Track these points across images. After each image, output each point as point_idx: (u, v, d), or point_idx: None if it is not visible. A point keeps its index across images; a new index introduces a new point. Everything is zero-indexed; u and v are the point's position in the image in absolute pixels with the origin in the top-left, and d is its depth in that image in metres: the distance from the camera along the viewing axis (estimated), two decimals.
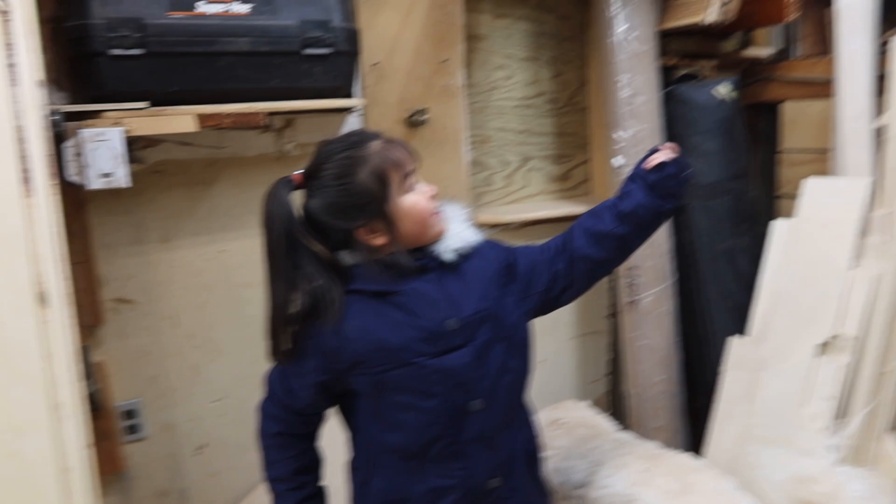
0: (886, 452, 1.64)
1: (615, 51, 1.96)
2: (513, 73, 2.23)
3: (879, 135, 1.77)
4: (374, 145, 1.16)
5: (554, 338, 2.32)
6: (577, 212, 2.19)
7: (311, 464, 1.29)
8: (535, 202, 2.32)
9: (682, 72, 2.18)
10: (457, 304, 1.19)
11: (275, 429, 1.26)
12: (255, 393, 1.84)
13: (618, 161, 1.98)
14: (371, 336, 1.16)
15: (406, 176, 1.17)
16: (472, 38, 2.12)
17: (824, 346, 1.70)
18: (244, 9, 1.56)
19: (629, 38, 1.94)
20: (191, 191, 1.76)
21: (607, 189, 2.07)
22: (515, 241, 2.15)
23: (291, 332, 1.17)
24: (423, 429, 1.18)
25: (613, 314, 2.34)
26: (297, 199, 1.18)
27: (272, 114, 1.74)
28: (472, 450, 1.20)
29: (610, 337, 2.40)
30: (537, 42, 2.24)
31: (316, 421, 1.29)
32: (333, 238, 1.17)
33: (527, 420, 1.32)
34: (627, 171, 1.31)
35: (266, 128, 1.79)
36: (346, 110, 1.85)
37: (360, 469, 1.27)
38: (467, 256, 1.23)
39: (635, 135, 1.96)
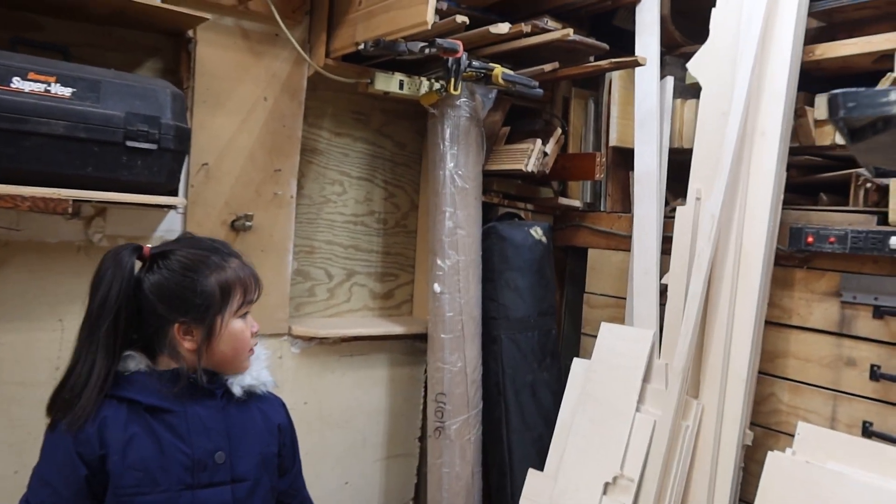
0: None
1: (443, 184, 2.07)
2: (346, 190, 2.27)
3: (664, 291, 1.98)
4: (233, 262, 1.18)
5: (360, 459, 2.26)
6: (396, 331, 2.24)
7: None
8: (356, 317, 2.32)
9: (503, 210, 2.34)
10: (232, 440, 1.16)
11: None
12: None
13: (436, 288, 2.05)
14: (130, 452, 1.08)
15: (247, 303, 1.18)
16: (309, 152, 2.16)
17: (608, 486, 1.80)
18: (66, 92, 1.49)
19: (456, 174, 2.07)
20: None
21: (427, 311, 2.13)
22: (332, 355, 2.15)
23: (77, 401, 1.08)
24: None
25: (422, 437, 2.34)
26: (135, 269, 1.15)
27: (82, 202, 1.64)
28: None
29: (419, 460, 2.39)
30: (373, 164, 2.32)
31: None
32: (145, 326, 1.14)
33: None
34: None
35: (73, 215, 1.68)
36: (165, 207, 1.78)
37: None
38: (255, 398, 1.23)
39: (454, 264, 2.05)
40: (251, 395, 1.22)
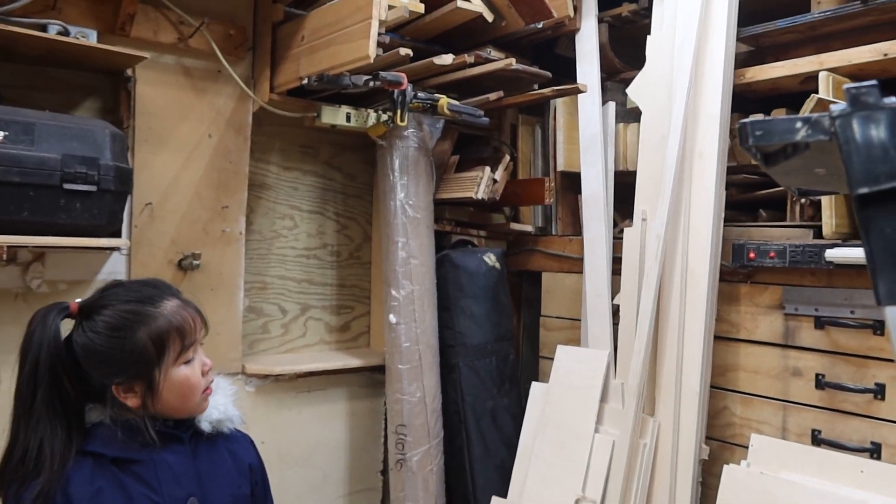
0: None
1: (394, 214, 2.08)
2: (297, 224, 2.26)
3: (616, 312, 2.01)
4: (167, 306, 1.11)
5: (322, 497, 2.21)
6: (354, 364, 2.21)
7: None
8: (312, 352, 2.29)
9: (456, 238, 2.35)
10: (204, 483, 1.13)
11: None
12: None
13: (392, 319, 2.04)
14: None
15: (187, 347, 1.12)
16: (258, 187, 2.14)
17: None
18: None
19: (407, 204, 2.08)
20: None
21: (384, 343, 2.11)
22: (288, 392, 2.11)
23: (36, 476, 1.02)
24: None
25: (384, 471, 2.31)
26: (65, 328, 1.10)
27: (17, 247, 1.59)
28: None
29: (383, 494, 2.35)
30: (324, 196, 2.31)
31: None
32: (86, 383, 1.08)
33: None
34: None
35: (9, 261, 1.63)
36: (108, 249, 1.74)
37: None
38: (223, 437, 1.20)
39: (409, 294, 2.05)
40: (219, 433, 1.19)
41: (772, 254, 1.81)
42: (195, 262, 1.89)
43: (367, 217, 2.43)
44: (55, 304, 1.10)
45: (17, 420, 1.06)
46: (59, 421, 1.05)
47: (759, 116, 1.94)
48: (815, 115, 0.50)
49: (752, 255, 1.84)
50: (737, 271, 1.92)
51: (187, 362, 1.13)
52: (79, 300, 1.13)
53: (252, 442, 1.29)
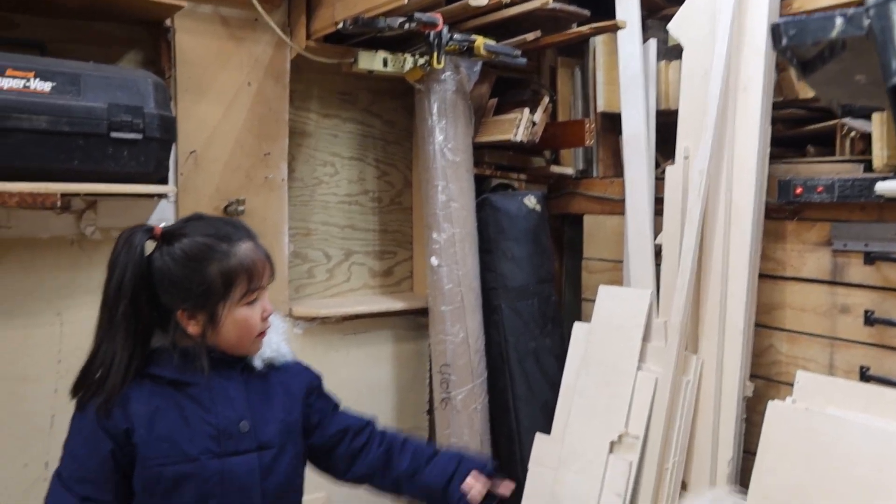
0: None
1: (433, 158, 2.08)
2: (338, 171, 2.28)
3: (659, 251, 1.99)
4: (241, 247, 1.15)
5: None
6: (398, 307, 2.25)
7: None
8: (357, 296, 2.34)
9: (496, 182, 2.35)
10: (255, 408, 1.17)
11: None
12: (30, 498, 1.64)
13: (433, 261, 2.06)
14: (156, 424, 1.11)
15: (252, 289, 1.16)
16: (298, 135, 2.16)
17: (613, 445, 1.82)
18: (45, 87, 1.49)
19: (446, 148, 2.07)
20: None
21: (426, 286, 2.14)
22: (335, 334, 2.17)
23: (104, 384, 1.10)
24: None
25: (430, 410, 2.36)
26: (148, 248, 1.16)
27: (71, 195, 1.65)
28: None
29: (429, 433, 2.41)
30: (363, 143, 2.32)
31: None
32: (157, 305, 1.14)
33: None
34: (454, 455, 1.36)
35: (63, 209, 1.69)
36: (155, 196, 1.79)
37: None
38: (276, 368, 1.24)
39: (450, 237, 2.06)
40: (271, 367, 1.23)
41: (819, 188, 1.75)
42: (240, 209, 1.93)
43: (407, 163, 2.43)
44: (140, 226, 1.16)
45: (99, 331, 1.13)
46: (132, 338, 1.12)
47: None
48: (851, 9, 0.49)
49: (798, 190, 1.79)
50: (783, 208, 1.87)
51: (250, 303, 1.16)
52: (163, 225, 1.17)
53: (305, 366, 1.33)
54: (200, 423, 1.13)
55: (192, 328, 1.14)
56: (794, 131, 1.99)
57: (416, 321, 2.32)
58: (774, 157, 1.89)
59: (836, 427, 1.59)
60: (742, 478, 1.75)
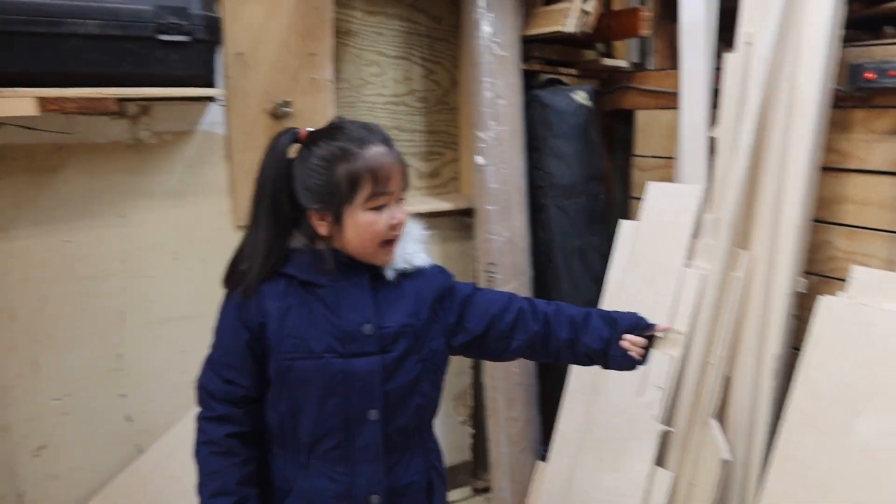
0: (711, 436, 1.79)
1: (480, 53, 2.02)
2: (384, 71, 2.25)
3: (713, 146, 1.92)
4: (373, 150, 1.15)
5: None
6: (445, 208, 2.27)
7: (254, 476, 1.23)
8: None
9: (545, 77, 2.28)
10: (381, 313, 1.20)
11: (222, 431, 1.20)
12: (100, 390, 1.78)
13: (479, 160, 2.05)
14: (287, 321, 1.17)
15: (380, 194, 1.15)
16: (343, 34, 2.13)
17: (658, 341, 1.83)
18: None
19: (493, 42, 2.01)
20: (34, 177, 1.67)
21: (473, 187, 2.14)
22: None
23: (249, 273, 1.19)
24: (316, 424, 1.19)
25: None
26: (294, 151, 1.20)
27: (125, 100, 1.69)
28: (359, 458, 1.20)
29: None
30: (409, 41, 2.28)
31: (259, 412, 1.24)
32: (296, 205, 1.19)
33: (429, 449, 1.32)
34: (607, 317, 1.39)
35: (119, 114, 1.74)
36: (205, 99, 1.82)
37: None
38: (409, 275, 1.25)
39: (497, 136, 2.03)
40: (404, 275, 1.24)
41: (892, 72, 1.64)
42: (286, 110, 1.94)
43: (454, 61, 2.38)
44: (289, 129, 1.21)
45: (248, 224, 1.21)
46: (272, 235, 1.18)
47: None
48: None
49: (869, 74, 1.67)
50: (852, 96, 1.76)
51: (377, 209, 1.16)
52: (310, 129, 1.21)
53: (440, 270, 1.32)
54: (326, 324, 1.17)
55: (322, 229, 1.18)
56: (869, 11, 1.84)
57: (462, 221, 2.34)
58: (848, 41, 1.76)
59: (890, 322, 1.56)
60: (788, 374, 1.75)
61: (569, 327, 1.35)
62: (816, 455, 1.59)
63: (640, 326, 1.38)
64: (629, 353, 1.34)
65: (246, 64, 1.90)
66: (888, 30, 1.84)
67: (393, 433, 1.22)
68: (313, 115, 2.02)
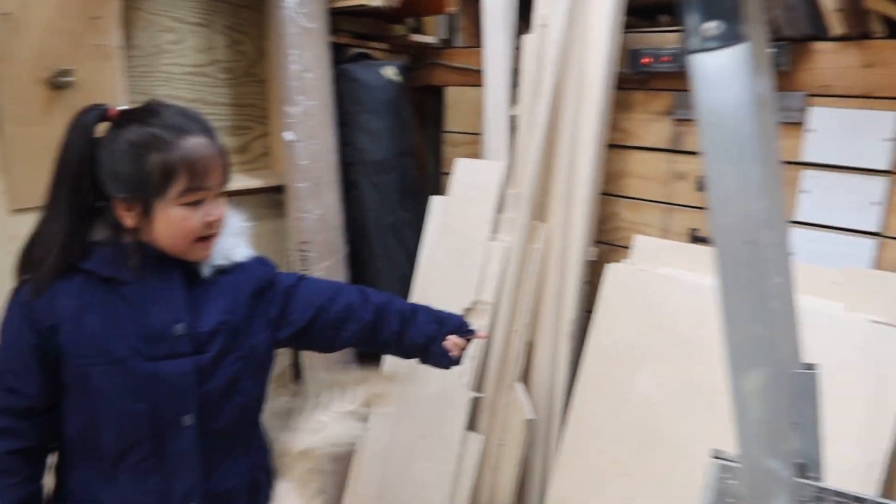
0: (517, 398, 1.91)
1: (285, 24, 1.96)
2: (183, 38, 2.10)
3: (514, 123, 2.01)
4: (191, 141, 1.05)
5: None
6: (256, 185, 2.18)
7: (38, 494, 1.12)
8: None
9: (354, 51, 2.25)
10: (194, 311, 1.12)
11: (2, 447, 1.08)
12: None
13: (288, 136, 1.99)
14: (84, 322, 1.06)
15: (197, 189, 1.06)
16: None
17: (468, 311, 1.91)
18: None
19: (299, 12, 1.95)
20: None
21: (284, 164, 2.08)
22: None
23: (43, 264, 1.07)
24: (122, 434, 1.10)
25: None
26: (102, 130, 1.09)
27: None
28: (174, 466, 1.12)
29: None
30: (210, 7, 2.14)
31: (48, 425, 1.11)
32: (100, 192, 1.07)
33: (255, 448, 1.26)
34: (433, 315, 1.42)
35: None
36: None
37: (58, 468, 1.16)
38: (227, 270, 1.17)
39: (306, 110, 1.99)
40: (221, 272, 1.16)
41: (665, 58, 1.81)
42: (67, 79, 1.76)
43: (261, 31, 2.28)
44: (97, 106, 1.08)
45: (43, 209, 1.08)
46: (71, 222, 1.06)
47: None
48: None
49: (645, 60, 1.84)
50: (632, 78, 1.92)
51: (192, 204, 1.07)
52: (122, 108, 1.09)
53: (261, 262, 1.25)
54: (130, 324, 1.07)
55: (128, 220, 1.07)
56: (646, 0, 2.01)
57: (274, 199, 2.27)
58: (628, 28, 1.92)
59: (664, 286, 1.74)
60: (582, 338, 1.90)
61: (399, 320, 1.36)
62: (605, 411, 1.76)
63: (463, 330, 1.42)
64: (450, 353, 1.39)
65: (16, 26, 1.68)
66: (662, 18, 2.03)
67: (212, 437, 1.15)
68: (101, 85, 1.85)
